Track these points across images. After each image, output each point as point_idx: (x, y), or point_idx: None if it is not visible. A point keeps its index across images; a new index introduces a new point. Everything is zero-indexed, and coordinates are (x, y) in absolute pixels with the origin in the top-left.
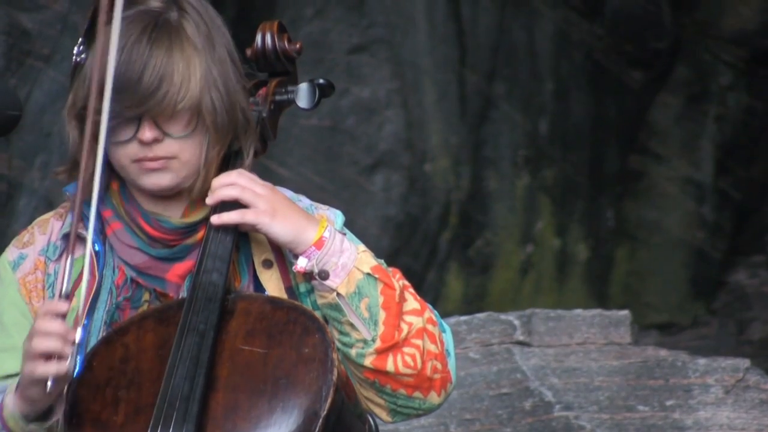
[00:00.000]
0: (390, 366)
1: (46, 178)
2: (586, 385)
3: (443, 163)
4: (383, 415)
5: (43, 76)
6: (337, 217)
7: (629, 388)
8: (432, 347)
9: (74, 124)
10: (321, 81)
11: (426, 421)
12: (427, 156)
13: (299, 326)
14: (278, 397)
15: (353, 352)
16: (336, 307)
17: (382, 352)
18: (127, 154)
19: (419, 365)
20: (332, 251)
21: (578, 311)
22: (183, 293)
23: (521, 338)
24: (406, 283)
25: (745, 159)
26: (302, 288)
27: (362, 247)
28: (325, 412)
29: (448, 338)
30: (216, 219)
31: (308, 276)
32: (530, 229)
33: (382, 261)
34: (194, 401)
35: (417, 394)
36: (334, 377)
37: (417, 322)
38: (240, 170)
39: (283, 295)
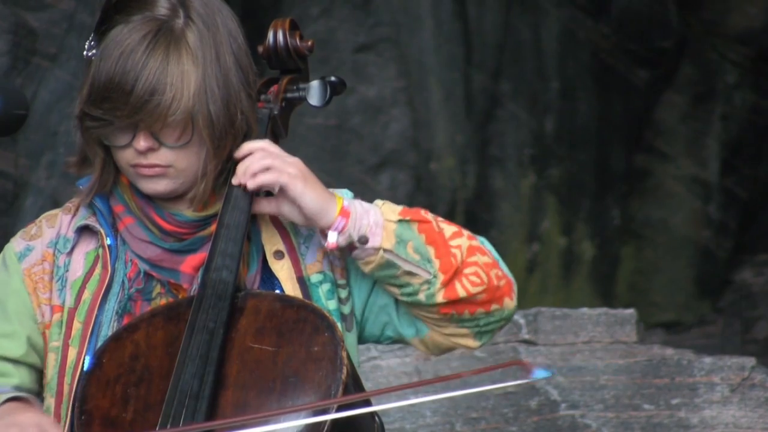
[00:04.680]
0: (461, 291)
1: (53, 177)
2: (591, 383)
3: (449, 162)
4: (469, 342)
5: (49, 75)
6: (346, 195)
7: (635, 386)
8: (485, 259)
9: (77, 123)
10: (333, 78)
11: (432, 420)
12: (432, 155)
13: (309, 325)
14: (287, 395)
15: (422, 297)
16: (388, 264)
17: (448, 283)
18: (124, 158)
19: (485, 279)
20: (360, 215)
21: (584, 310)
22: (197, 284)
23: (527, 337)
24: (434, 215)
25: (751, 158)
26: (313, 279)
27: (380, 201)
28: (334, 410)
29: (489, 247)
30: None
31: (345, 249)
32: (536, 227)
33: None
34: (203, 399)
35: (494, 306)
36: (344, 375)
37: (463, 242)
38: (267, 140)
39: (295, 285)
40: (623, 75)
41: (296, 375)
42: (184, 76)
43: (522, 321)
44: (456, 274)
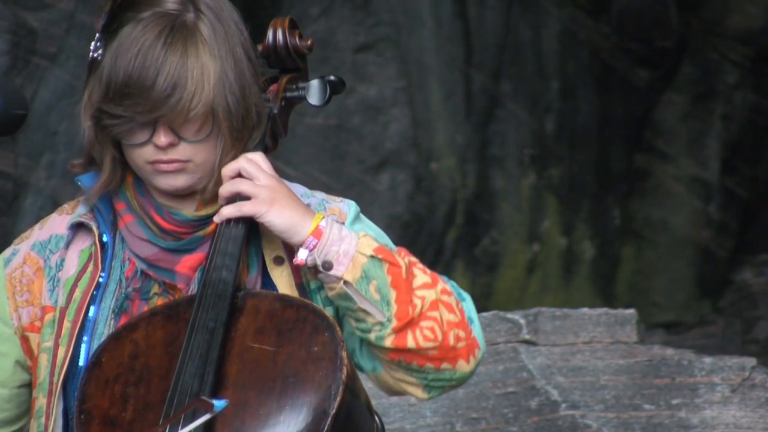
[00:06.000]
0: (410, 343)
1: (53, 177)
2: (592, 383)
3: (449, 161)
4: (418, 392)
5: (49, 75)
6: (350, 207)
7: (635, 386)
8: (451, 317)
9: (90, 123)
10: (332, 78)
11: (432, 420)
12: (433, 155)
13: (309, 324)
14: (287, 395)
15: (372, 336)
16: (346, 297)
17: (399, 331)
18: (142, 155)
19: (440, 337)
20: (331, 240)
21: (584, 310)
22: (194, 285)
23: (527, 337)
24: (413, 259)
25: (751, 158)
26: (312, 285)
27: (363, 232)
28: (334, 411)
29: (468, 306)
30: (217, 218)
31: (313, 270)
32: (536, 228)
33: (387, 242)
34: None
35: (445, 365)
36: (344, 375)
37: (430, 294)
38: (247, 156)
39: (294, 292)
40: (623, 75)
41: (296, 375)
42: (203, 69)
43: (522, 321)
44: (410, 324)
